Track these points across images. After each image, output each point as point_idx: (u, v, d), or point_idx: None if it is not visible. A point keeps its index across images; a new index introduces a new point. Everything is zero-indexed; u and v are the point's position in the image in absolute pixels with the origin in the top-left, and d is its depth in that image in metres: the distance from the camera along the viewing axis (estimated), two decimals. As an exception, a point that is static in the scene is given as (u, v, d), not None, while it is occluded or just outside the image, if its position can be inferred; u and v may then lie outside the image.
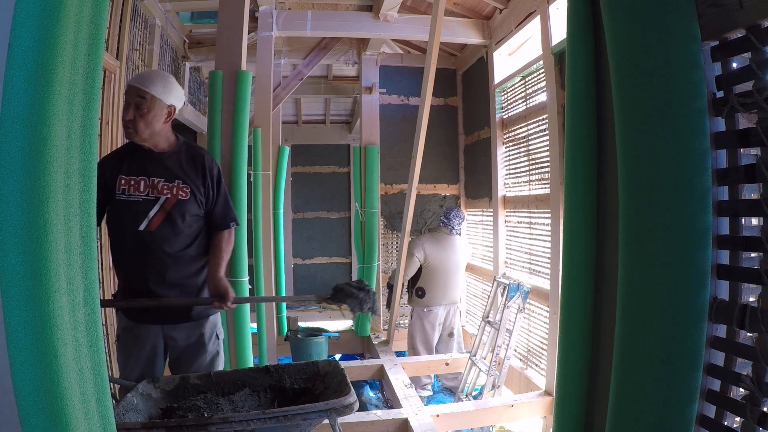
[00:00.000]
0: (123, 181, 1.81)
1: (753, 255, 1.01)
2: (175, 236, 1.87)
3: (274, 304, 4.02)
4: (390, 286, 4.44)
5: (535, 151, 3.69)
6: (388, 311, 4.37)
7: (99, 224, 1.80)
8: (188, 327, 1.93)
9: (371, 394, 4.18)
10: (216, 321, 2.03)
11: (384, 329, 4.77)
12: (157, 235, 1.84)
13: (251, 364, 3.05)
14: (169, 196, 1.86)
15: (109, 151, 2.96)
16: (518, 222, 3.98)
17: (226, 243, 2.02)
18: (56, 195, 0.79)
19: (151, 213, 1.83)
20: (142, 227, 1.82)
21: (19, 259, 0.75)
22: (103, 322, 2.78)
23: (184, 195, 1.88)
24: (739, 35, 1.00)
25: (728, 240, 1.03)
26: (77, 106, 0.85)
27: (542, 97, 3.51)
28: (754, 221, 1.08)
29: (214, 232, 2.01)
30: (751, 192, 1.02)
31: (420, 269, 4.20)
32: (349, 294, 1.91)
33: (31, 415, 0.75)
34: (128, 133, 1.83)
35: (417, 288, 4.22)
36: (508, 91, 4.18)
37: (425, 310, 4.20)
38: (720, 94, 1.04)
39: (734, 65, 1.04)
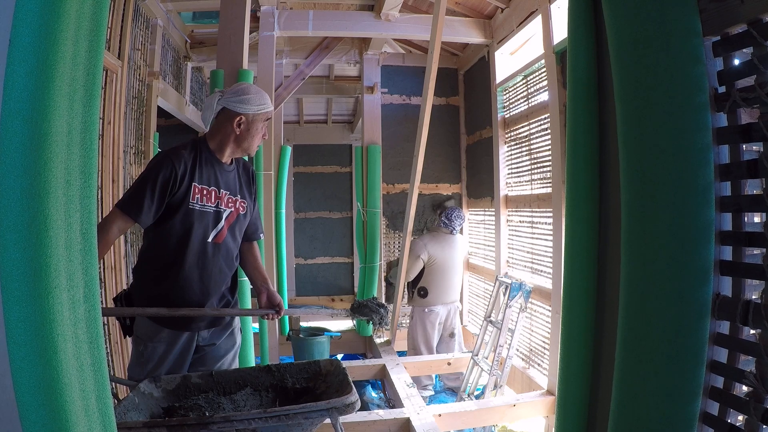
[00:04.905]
0: (197, 190, 1.80)
1: (756, 251, 1.01)
2: (233, 250, 1.93)
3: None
4: (389, 282, 4.45)
5: (537, 150, 3.68)
6: (391, 305, 4.36)
7: (147, 225, 1.77)
8: (222, 327, 1.96)
9: (373, 393, 4.17)
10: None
11: (386, 329, 4.76)
12: (221, 248, 1.87)
13: (253, 364, 3.06)
14: (232, 209, 1.89)
15: (111, 152, 2.96)
16: (520, 221, 3.97)
17: (258, 254, 2.09)
18: (56, 191, 0.79)
19: (220, 225, 1.86)
20: (210, 238, 1.84)
21: (19, 254, 0.75)
22: (105, 322, 2.78)
23: (242, 210, 1.93)
24: (741, 30, 0.99)
25: (731, 236, 1.03)
26: (78, 103, 0.85)
27: (544, 96, 3.51)
28: (757, 218, 1.08)
29: (246, 244, 2.04)
30: (753, 188, 1.02)
31: (422, 269, 4.20)
32: (373, 310, 2.14)
33: (30, 411, 0.75)
34: (253, 150, 1.91)
35: (419, 288, 4.23)
36: (510, 90, 4.17)
37: (426, 310, 4.20)
38: (722, 89, 1.04)
39: (736, 61, 1.04)
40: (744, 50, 1.01)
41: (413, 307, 4.33)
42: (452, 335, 4.32)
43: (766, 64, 0.94)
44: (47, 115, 0.78)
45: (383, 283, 4.80)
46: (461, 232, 4.58)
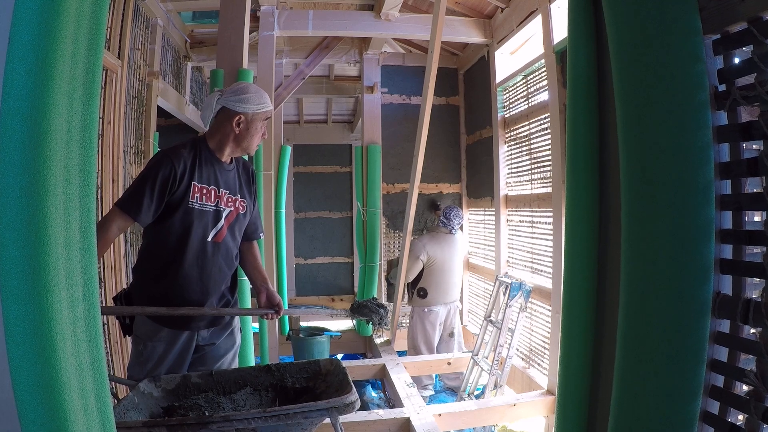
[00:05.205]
0: (196, 189, 1.80)
1: (756, 250, 1.01)
2: (233, 249, 1.93)
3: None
4: (389, 282, 4.44)
5: (537, 149, 3.68)
6: (391, 305, 4.36)
7: (147, 224, 1.77)
8: (222, 327, 1.96)
9: (373, 393, 4.17)
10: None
11: (386, 329, 4.76)
12: (221, 247, 1.87)
13: (253, 363, 3.06)
14: (232, 209, 1.89)
15: (111, 151, 2.96)
16: (520, 221, 3.97)
17: (258, 254, 2.09)
18: (56, 189, 0.79)
19: (219, 224, 1.86)
20: (209, 237, 1.84)
21: (18, 253, 0.74)
22: (104, 321, 2.78)
23: (242, 209, 1.93)
24: (741, 28, 0.99)
25: (731, 234, 1.03)
26: (77, 101, 0.85)
27: (544, 96, 3.51)
28: (757, 216, 1.07)
29: (246, 243, 2.04)
30: (753, 186, 1.02)
31: (422, 270, 4.20)
32: (373, 310, 2.15)
33: (29, 409, 0.74)
34: (252, 150, 1.91)
35: (419, 288, 4.23)
36: (510, 90, 4.17)
37: (426, 310, 4.21)
38: (722, 87, 1.04)
39: (736, 59, 1.04)
40: (744, 48, 1.01)
41: (413, 307, 4.33)
42: (452, 335, 4.32)
43: (766, 63, 0.94)
44: (46, 114, 0.77)
45: (383, 283, 4.80)
46: (461, 230, 4.58)
